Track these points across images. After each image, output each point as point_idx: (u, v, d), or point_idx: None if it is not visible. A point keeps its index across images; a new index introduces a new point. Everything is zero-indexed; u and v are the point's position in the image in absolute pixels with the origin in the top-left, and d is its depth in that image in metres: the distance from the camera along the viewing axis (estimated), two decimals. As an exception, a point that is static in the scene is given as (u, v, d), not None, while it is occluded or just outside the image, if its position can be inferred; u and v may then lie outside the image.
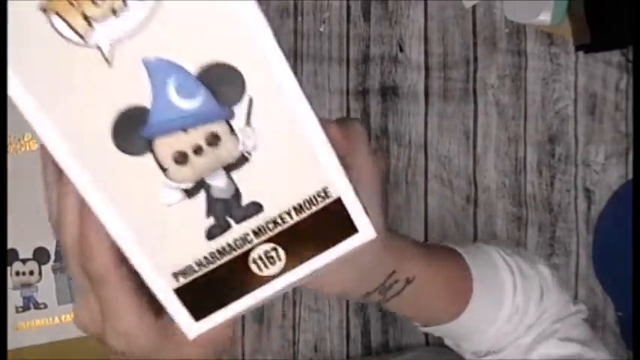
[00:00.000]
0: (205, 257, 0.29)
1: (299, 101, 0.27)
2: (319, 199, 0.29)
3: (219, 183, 0.28)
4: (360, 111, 1.31)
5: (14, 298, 0.90)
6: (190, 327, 0.30)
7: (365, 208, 0.30)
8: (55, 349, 0.89)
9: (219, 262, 0.29)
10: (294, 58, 1.32)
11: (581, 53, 1.22)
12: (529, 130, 1.27)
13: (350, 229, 0.29)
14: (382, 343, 1.29)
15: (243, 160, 0.28)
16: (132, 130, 0.27)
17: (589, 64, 1.25)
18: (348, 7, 1.32)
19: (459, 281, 0.46)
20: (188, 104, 0.27)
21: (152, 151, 0.27)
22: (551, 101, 1.27)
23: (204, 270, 0.29)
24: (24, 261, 0.91)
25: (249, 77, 0.27)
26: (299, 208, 0.29)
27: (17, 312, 0.90)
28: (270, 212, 0.29)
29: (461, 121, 1.29)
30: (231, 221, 0.29)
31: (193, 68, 0.26)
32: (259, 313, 1.31)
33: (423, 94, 1.30)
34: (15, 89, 0.26)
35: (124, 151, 0.27)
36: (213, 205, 0.28)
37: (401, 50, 1.31)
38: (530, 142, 1.27)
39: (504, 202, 1.28)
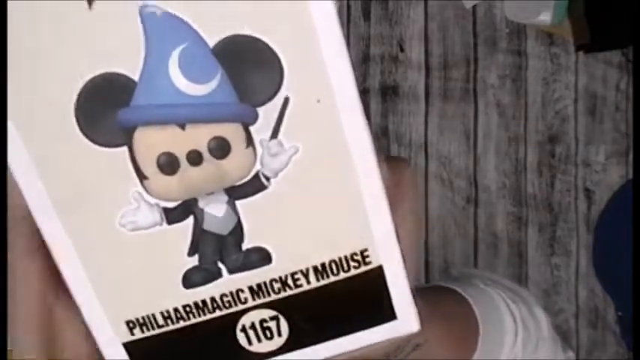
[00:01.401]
0: (176, 310, 0.20)
1: (355, 118, 0.19)
2: (353, 263, 0.20)
3: (215, 211, 0.20)
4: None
5: (14, 298, 0.90)
6: None
7: (413, 291, 0.21)
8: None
9: (194, 320, 0.21)
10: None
11: (581, 53, 1.22)
12: (529, 130, 1.27)
13: (386, 313, 0.21)
14: (382, 343, 1.29)
15: (257, 185, 0.19)
16: (104, 109, 0.18)
17: (589, 64, 1.25)
18: (348, 7, 1.32)
19: (466, 341, 0.45)
20: (194, 89, 0.18)
21: (129, 145, 0.19)
22: (551, 101, 1.27)
23: (172, 326, 0.21)
24: (24, 261, 0.90)
25: (290, 68, 0.18)
26: (321, 271, 0.20)
27: (17, 312, 0.90)
28: (279, 268, 0.20)
29: (461, 121, 1.29)
30: (223, 268, 0.20)
31: (213, 39, 0.18)
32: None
33: (424, 94, 1.30)
34: None
35: (87, 135, 0.18)
36: (202, 241, 0.20)
37: (401, 50, 1.31)
38: (531, 142, 1.27)
39: (504, 202, 1.28)
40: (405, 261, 0.21)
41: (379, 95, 1.31)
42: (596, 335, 1.25)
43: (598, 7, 1.11)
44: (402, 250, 0.21)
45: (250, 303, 0.21)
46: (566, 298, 1.26)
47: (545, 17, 1.14)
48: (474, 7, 1.27)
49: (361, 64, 1.31)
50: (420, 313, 0.27)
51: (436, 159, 1.29)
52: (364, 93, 1.31)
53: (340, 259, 0.20)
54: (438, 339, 0.41)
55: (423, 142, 1.30)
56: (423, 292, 0.41)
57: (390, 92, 1.31)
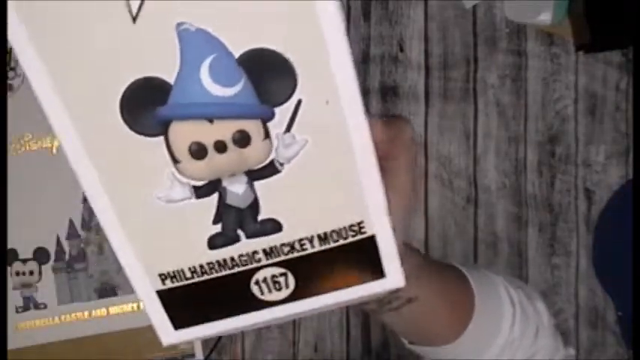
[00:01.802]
0: (201, 266, 0.25)
1: (357, 120, 0.23)
2: (350, 232, 0.25)
3: (236, 189, 0.24)
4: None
5: (14, 298, 0.90)
6: (167, 334, 0.26)
7: (400, 254, 0.26)
8: (55, 349, 0.89)
9: (216, 275, 0.25)
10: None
11: (581, 53, 1.22)
12: (529, 130, 1.27)
13: (377, 272, 0.26)
14: (382, 343, 1.29)
15: (272, 169, 0.24)
16: (145, 106, 0.22)
17: (589, 64, 1.25)
18: (348, 7, 1.32)
19: (460, 307, 0.45)
20: (221, 91, 0.22)
21: (166, 135, 0.23)
22: (551, 101, 1.27)
23: (197, 279, 0.25)
24: (24, 261, 0.90)
25: (303, 76, 0.22)
26: (324, 238, 0.25)
27: (17, 312, 0.90)
28: (289, 235, 0.25)
29: (461, 121, 1.29)
30: (242, 234, 0.25)
31: (238, 51, 0.22)
32: (259, 313, 1.31)
33: (423, 94, 1.30)
34: (18, 36, 0.21)
35: (130, 126, 0.23)
36: (225, 212, 0.24)
37: (401, 50, 1.31)
38: (531, 142, 1.27)
39: (504, 202, 1.28)
40: (395, 230, 0.25)
41: (379, 95, 1.31)
42: (596, 335, 1.25)
43: (598, 7, 1.11)
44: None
45: (263, 262, 0.25)
46: (566, 298, 1.26)
47: (545, 17, 1.14)
48: (474, 7, 1.27)
49: (361, 64, 1.31)
50: (411, 269, 0.34)
51: (436, 159, 1.30)
52: (364, 93, 1.31)
53: (340, 229, 0.25)
54: (431, 298, 0.41)
55: (423, 142, 1.30)
56: (425, 258, 0.41)
57: (389, 92, 1.31)
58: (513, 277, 1.25)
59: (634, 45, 1.14)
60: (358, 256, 0.25)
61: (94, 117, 0.22)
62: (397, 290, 0.38)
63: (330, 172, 0.24)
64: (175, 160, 0.23)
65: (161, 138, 0.23)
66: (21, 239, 0.89)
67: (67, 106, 0.22)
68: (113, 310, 0.88)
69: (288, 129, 0.23)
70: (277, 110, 0.23)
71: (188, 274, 0.25)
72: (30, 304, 0.89)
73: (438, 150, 1.29)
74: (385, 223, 0.25)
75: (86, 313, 0.88)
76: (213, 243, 0.25)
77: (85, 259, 0.89)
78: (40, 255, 0.89)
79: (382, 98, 1.31)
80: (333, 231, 0.25)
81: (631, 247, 0.63)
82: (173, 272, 0.25)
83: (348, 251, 0.25)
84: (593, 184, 1.26)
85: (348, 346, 1.31)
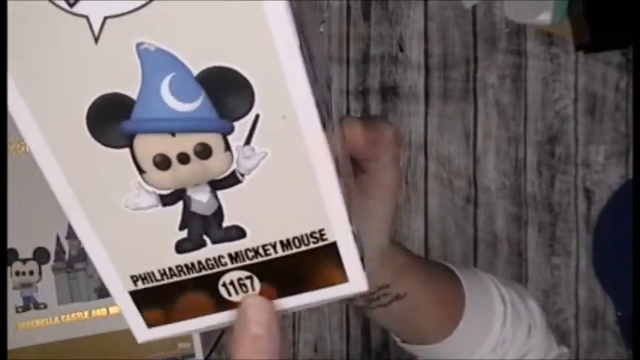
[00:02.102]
0: (170, 269, 0.26)
1: (314, 131, 0.24)
2: (312, 239, 0.26)
3: (200, 197, 0.25)
4: (360, 111, 1.31)
5: (14, 298, 0.90)
6: (141, 332, 0.28)
7: (362, 258, 0.27)
8: (55, 349, 0.89)
9: (185, 277, 0.26)
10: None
11: (581, 53, 1.22)
12: (529, 130, 1.27)
13: (339, 276, 0.26)
14: (382, 343, 1.29)
15: (233, 179, 0.24)
16: (110, 120, 0.23)
17: (589, 64, 1.25)
18: (348, 7, 1.32)
19: (450, 304, 0.44)
20: (182, 106, 0.23)
21: (131, 147, 0.24)
22: (551, 101, 1.27)
23: (167, 281, 0.26)
24: (24, 261, 0.90)
25: (260, 92, 0.23)
26: (287, 244, 0.26)
27: (17, 312, 0.90)
28: (252, 241, 0.26)
29: (461, 121, 1.29)
30: (207, 240, 0.26)
31: (196, 68, 0.23)
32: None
33: (423, 94, 1.30)
34: None
35: (97, 139, 0.24)
36: (190, 219, 0.25)
37: (401, 50, 1.31)
38: (530, 142, 1.27)
39: (504, 202, 1.28)
40: (356, 237, 0.26)
41: (379, 95, 1.31)
42: (596, 335, 1.25)
43: (598, 7, 1.11)
44: (354, 229, 0.26)
45: (229, 266, 0.26)
46: (566, 298, 1.26)
47: (545, 17, 1.14)
48: (474, 7, 1.27)
49: (361, 64, 1.31)
50: (400, 266, 0.38)
51: (436, 159, 1.30)
52: (364, 93, 1.31)
53: (302, 236, 0.26)
54: (420, 295, 0.41)
55: (423, 142, 1.30)
56: (415, 257, 0.41)
57: (389, 92, 1.31)
58: (513, 276, 1.25)
59: (634, 45, 1.14)
60: (321, 261, 0.26)
61: (62, 130, 0.24)
62: (384, 287, 0.38)
63: (290, 183, 0.25)
64: (141, 171, 0.24)
65: (127, 150, 0.24)
66: (21, 239, 0.88)
67: (37, 121, 0.23)
68: (113, 310, 0.88)
69: (248, 142, 0.24)
70: (236, 124, 0.23)
71: (158, 276, 0.26)
72: (30, 304, 0.89)
73: (437, 150, 1.29)
74: (346, 231, 0.26)
75: (86, 313, 0.88)
76: (181, 247, 0.26)
77: (85, 259, 0.89)
78: (40, 255, 0.89)
79: (382, 98, 1.31)
80: (295, 237, 0.26)
81: (631, 247, 0.63)
82: (144, 274, 0.26)
83: (311, 257, 0.26)
84: (593, 184, 1.26)
85: (348, 346, 1.31)
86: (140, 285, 0.27)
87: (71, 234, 0.88)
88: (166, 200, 0.25)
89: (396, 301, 0.39)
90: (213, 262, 0.26)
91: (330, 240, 0.26)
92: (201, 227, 0.25)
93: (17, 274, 0.88)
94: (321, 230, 0.26)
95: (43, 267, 0.89)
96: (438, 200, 1.29)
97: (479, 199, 1.29)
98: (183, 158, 0.24)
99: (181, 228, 0.25)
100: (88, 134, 0.23)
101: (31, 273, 0.89)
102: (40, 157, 0.24)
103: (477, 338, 0.46)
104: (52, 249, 0.89)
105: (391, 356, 1.28)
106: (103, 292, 0.88)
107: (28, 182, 0.85)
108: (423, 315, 0.43)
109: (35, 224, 0.87)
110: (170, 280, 0.26)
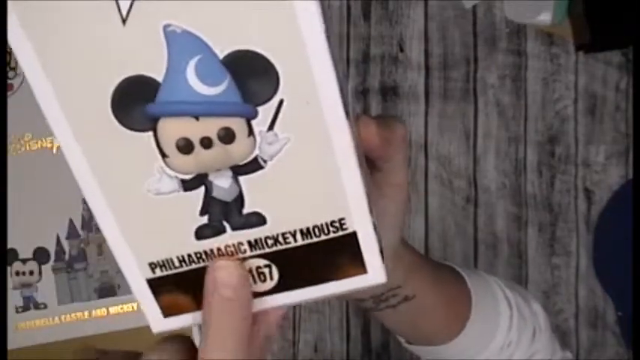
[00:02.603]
0: (189, 255, 0.26)
1: (338, 119, 0.24)
2: (332, 228, 0.25)
3: (222, 183, 0.25)
4: (360, 111, 1.31)
5: (14, 298, 0.90)
6: (157, 321, 0.27)
7: (382, 250, 0.26)
8: (55, 349, 0.89)
9: (203, 264, 0.26)
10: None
11: (581, 53, 1.22)
12: (529, 130, 1.27)
13: (359, 267, 0.26)
14: (382, 343, 1.29)
15: (256, 165, 0.24)
16: (135, 102, 0.23)
17: (589, 64, 1.25)
18: (348, 7, 1.32)
19: (458, 306, 0.44)
20: (206, 90, 0.23)
21: (154, 131, 0.24)
22: (551, 101, 1.27)
23: (186, 268, 0.26)
24: (24, 261, 0.90)
25: (285, 77, 0.23)
26: (306, 233, 0.25)
27: (17, 312, 0.90)
28: (272, 228, 0.25)
29: (461, 121, 1.29)
30: (227, 226, 0.25)
31: (222, 52, 0.22)
32: (259, 313, 1.31)
33: (423, 94, 1.30)
34: (14, 33, 0.22)
35: (121, 122, 0.23)
36: (211, 205, 0.25)
37: (401, 50, 1.31)
38: (530, 142, 1.27)
39: (504, 202, 1.28)
40: (376, 228, 0.26)
41: (379, 95, 1.31)
42: (596, 335, 1.25)
43: (598, 7, 1.11)
44: (374, 221, 0.26)
45: (248, 253, 0.26)
46: (566, 298, 1.26)
47: (545, 17, 1.14)
48: (474, 7, 1.27)
49: (361, 64, 1.31)
50: (409, 267, 0.37)
51: (436, 159, 1.30)
52: (364, 93, 1.31)
53: (322, 225, 0.25)
54: (428, 296, 0.41)
55: (423, 142, 1.30)
56: (423, 258, 0.41)
57: (389, 92, 1.31)
58: (514, 277, 1.25)
59: (634, 45, 1.14)
60: (341, 251, 0.26)
61: (86, 112, 0.23)
62: (395, 287, 0.38)
63: (312, 170, 0.24)
64: (164, 155, 0.24)
65: (150, 133, 0.24)
66: (21, 239, 0.88)
67: (60, 102, 0.23)
68: (113, 310, 0.88)
69: (271, 127, 0.23)
70: (260, 109, 0.23)
71: (177, 263, 0.26)
72: (30, 304, 0.89)
73: (437, 150, 1.29)
74: (366, 221, 0.25)
75: (86, 313, 0.88)
76: (200, 234, 0.25)
77: (85, 259, 0.89)
78: (40, 255, 0.89)
79: (382, 98, 1.31)
80: (315, 226, 0.25)
81: (631, 247, 0.63)
82: (162, 261, 0.26)
83: (330, 246, 0.26)
84: (593, 184, 1.26)
85: (348, 346, 1.31)
86: (158, 272, 0.26)
87: (71, 234, 0.88)
88: (188, 185, 0.25)
89: (405, 302, 0.39)
90: (232, 248, 0.26)
91: (350, 230, 0.25)
92: (222, 213, 0.25)
93: (17, 274, 0.88)
94: (341, 219, 0.25)
95: (43, 267, 0.89)
96: (438, 200, 1.29)
97: (479, 199, 1.29)
98: (207, 142, 0.24)
99: (202, 214, 0.25)
100: (112, 117, 0.23)
101: (31, 273, 0.89)
102: (61, 137, 0.24)
103: (484, 340, 0.46)
104: (52, 249, 0.89)
105: (391, 357, 1.28)
106: (103, 292, 0.88)
107: (28, 182, 0.85)
108: (430, 316, 0.43)
109: (35, 224, 0.87)
110: (188, 267, 0.26)
